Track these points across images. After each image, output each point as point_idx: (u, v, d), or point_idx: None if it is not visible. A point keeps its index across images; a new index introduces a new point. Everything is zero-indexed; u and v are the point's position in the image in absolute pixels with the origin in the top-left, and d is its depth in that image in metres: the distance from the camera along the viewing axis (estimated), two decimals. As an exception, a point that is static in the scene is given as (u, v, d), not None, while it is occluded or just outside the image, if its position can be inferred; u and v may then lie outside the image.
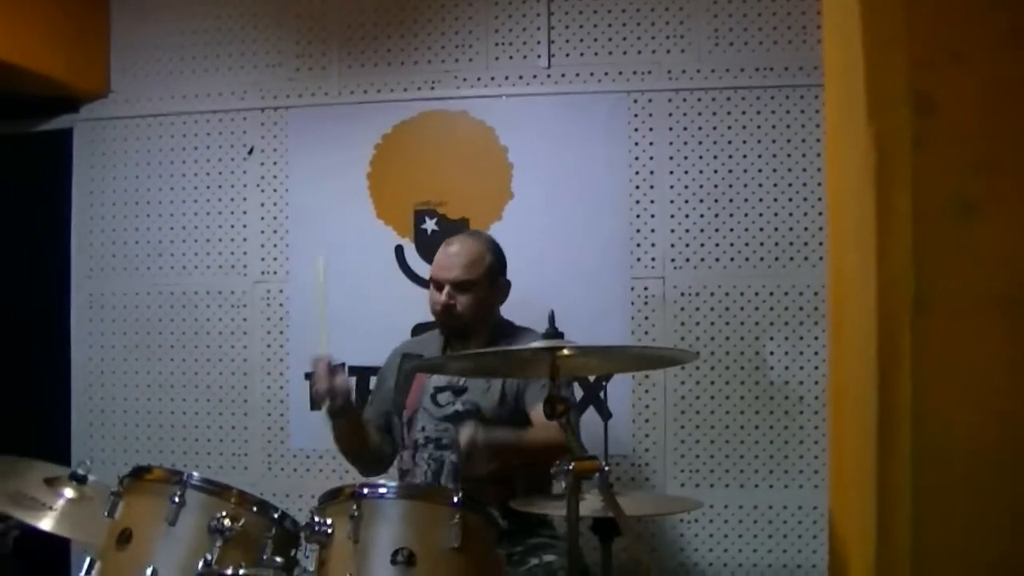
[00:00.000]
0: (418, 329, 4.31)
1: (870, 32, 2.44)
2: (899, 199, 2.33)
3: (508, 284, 3.75)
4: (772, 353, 4.24)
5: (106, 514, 2.96)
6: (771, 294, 4.24)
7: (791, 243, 4.23)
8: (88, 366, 4.78)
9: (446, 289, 3.64)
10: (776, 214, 4.24)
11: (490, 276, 3.69)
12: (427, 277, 4.04)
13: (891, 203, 2.35)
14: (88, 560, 2.92)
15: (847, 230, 3.80)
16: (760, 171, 4.26)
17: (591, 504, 2.81)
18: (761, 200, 4.25)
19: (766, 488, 4.24)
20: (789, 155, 4.24)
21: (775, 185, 4.24)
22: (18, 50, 4.35)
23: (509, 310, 3.79)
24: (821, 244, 4.17)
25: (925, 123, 2.32)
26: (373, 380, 4.11)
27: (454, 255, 3.67)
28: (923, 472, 2.43)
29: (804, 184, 4.21)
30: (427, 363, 3.69)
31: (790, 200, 4.23)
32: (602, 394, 4.24)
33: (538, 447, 3.33)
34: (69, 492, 3.28)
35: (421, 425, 3.68)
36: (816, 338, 4.19)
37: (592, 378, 4.27)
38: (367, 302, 4.47)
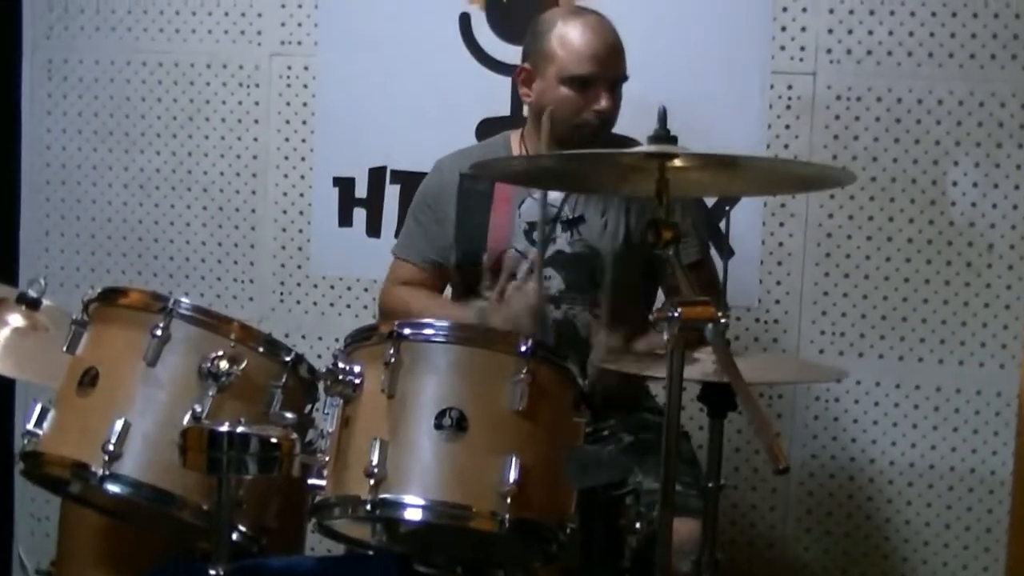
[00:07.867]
0: (485, 126, 4.29)
1: None
2: None
3: None
4: (956, 183, 4.16)
5: (65, 349, 3.00)
6: (960, 103, 4.13)
7: (995, 35, 4.11)
8: (45, 156, 4.76)
9: (603, 93, 3.55)
10: (976, -5, 4.15)
11: None
12: (496, 58, 4.10)
13: None
14: (39, 407, 2.96)
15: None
16: (957, -63, 4.16)
17: (702, 368, 2.79)
18: (956, -25, 4.15)
19: (934, 363, 4.21)
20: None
21: (976, -45, 4.15)
22: None
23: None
24: (1038, 39, 4.09)
25: None
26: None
27: (613, 42, 3.59)
28: None
29: (1019, -45, 4.10)
30: (492, 163, 3.57)
31: (998, -23, 4.12)
32: (723, 224, 4.19)
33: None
34: (15, 319, 3.33)
35: (512, 271, 3.63)
36: (1019, 166, 4.11)
37: (711, 202, 4.23)
38: (420, 86, 4.42)
